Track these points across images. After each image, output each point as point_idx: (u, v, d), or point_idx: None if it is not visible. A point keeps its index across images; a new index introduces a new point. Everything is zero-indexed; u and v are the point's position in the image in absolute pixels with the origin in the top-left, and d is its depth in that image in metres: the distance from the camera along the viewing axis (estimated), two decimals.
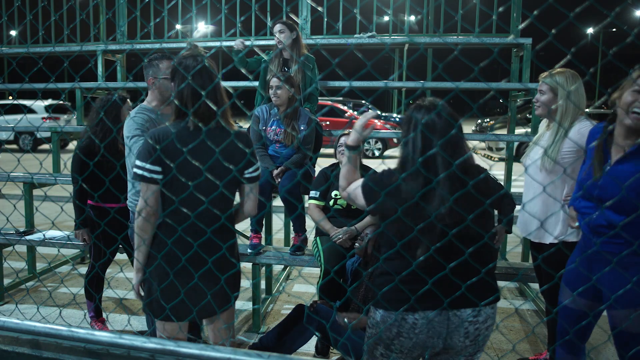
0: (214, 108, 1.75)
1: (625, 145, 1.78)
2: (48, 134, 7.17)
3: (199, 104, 1.75)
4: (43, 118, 12.62)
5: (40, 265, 4.37)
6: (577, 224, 1.99)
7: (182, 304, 1.82)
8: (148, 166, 1.74)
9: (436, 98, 1.66)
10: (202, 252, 1.79)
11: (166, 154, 1.73)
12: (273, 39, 3.75)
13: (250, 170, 1.89)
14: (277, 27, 3.66)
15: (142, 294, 1.89)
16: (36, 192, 5.00)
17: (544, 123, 2.67)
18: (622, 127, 1.78)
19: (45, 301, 3.64)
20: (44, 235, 3.80)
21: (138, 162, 1.76)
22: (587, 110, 2.40)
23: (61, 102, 13.10)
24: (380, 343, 1.65)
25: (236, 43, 3.82)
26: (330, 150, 3.28)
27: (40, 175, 4.11)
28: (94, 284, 3.18)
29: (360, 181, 1.72)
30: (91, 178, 2.97)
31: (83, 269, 4.51)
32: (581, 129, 2.33)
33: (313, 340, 2.81)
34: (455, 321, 1.55)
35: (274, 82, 3.30)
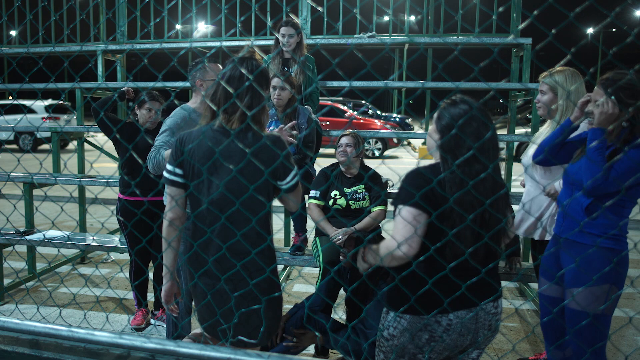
0: (246, 111, 1.66)
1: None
2: (48, 134, 7.18)
3: (227, 104, 1.69)
4: (43, 118, 12.62)
5: (40, 265, 4.37)
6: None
7: (206, 310, 1.79)
8: (170, 168, 1.76)
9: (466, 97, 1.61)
10: (215, 269, 1.73)
11: (190, 156, 1.72)
12: (272, 40, 3.73)
13: (287, 179, 1.77)
14: (284, 29, 3.58)
15: (172, 304, 1.89)
16: (36, 192, 5.00)
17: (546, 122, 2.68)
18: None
19: (45, 301, 3.64)
20: (44, 235, 3.80)
21: (167, 164, 1.79)
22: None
23: (61, 102, 13.10)
24: (405, 354, 1.59)
25: None
26: (331, 150, 3.27)
27: (40, 175, 4.10)
28: (133, 276, 3.27)
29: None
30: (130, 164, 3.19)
31: (83, 269, 4.52)
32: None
33: None
34: (482, 315, 1.60)
35: (275, 82, 3.19)
